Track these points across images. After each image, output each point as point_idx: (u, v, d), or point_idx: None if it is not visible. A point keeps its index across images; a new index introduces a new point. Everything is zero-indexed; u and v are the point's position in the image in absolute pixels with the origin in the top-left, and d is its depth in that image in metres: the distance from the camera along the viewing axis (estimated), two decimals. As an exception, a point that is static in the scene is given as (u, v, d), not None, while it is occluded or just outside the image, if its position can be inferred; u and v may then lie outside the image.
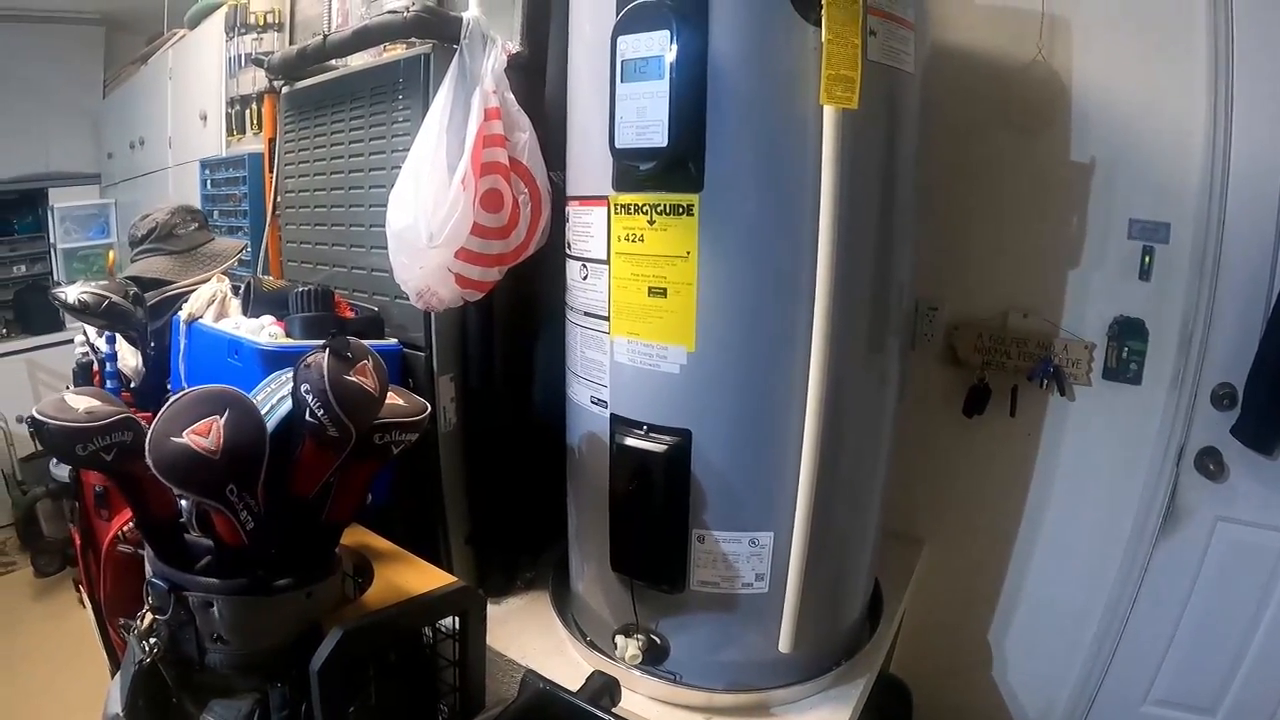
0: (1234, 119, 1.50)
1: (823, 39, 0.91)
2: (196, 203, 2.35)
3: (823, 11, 0.91)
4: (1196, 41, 1.50)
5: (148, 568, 0.83)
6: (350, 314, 1.35)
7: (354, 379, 0.81)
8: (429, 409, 0.92)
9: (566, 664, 1.26)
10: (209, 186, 2.37)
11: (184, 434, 0.71)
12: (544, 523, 1.44)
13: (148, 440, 0.72)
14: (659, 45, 0.94)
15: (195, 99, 2.74)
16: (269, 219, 1.84)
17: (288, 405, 0.85)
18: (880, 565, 1.40)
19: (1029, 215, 1.69)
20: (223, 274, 1.58)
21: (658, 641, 1.17)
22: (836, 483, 1.10)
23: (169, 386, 1.47)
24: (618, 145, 1.00)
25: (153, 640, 0.81)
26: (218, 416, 0.73)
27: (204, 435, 0.71)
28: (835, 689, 1.23)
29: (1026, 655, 1.88)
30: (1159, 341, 1.61)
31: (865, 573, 1.33)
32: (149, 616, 0.82)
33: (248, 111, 2.32)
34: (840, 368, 1.02)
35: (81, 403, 0.76)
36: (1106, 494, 1.71)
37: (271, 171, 1.85)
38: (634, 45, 0.96)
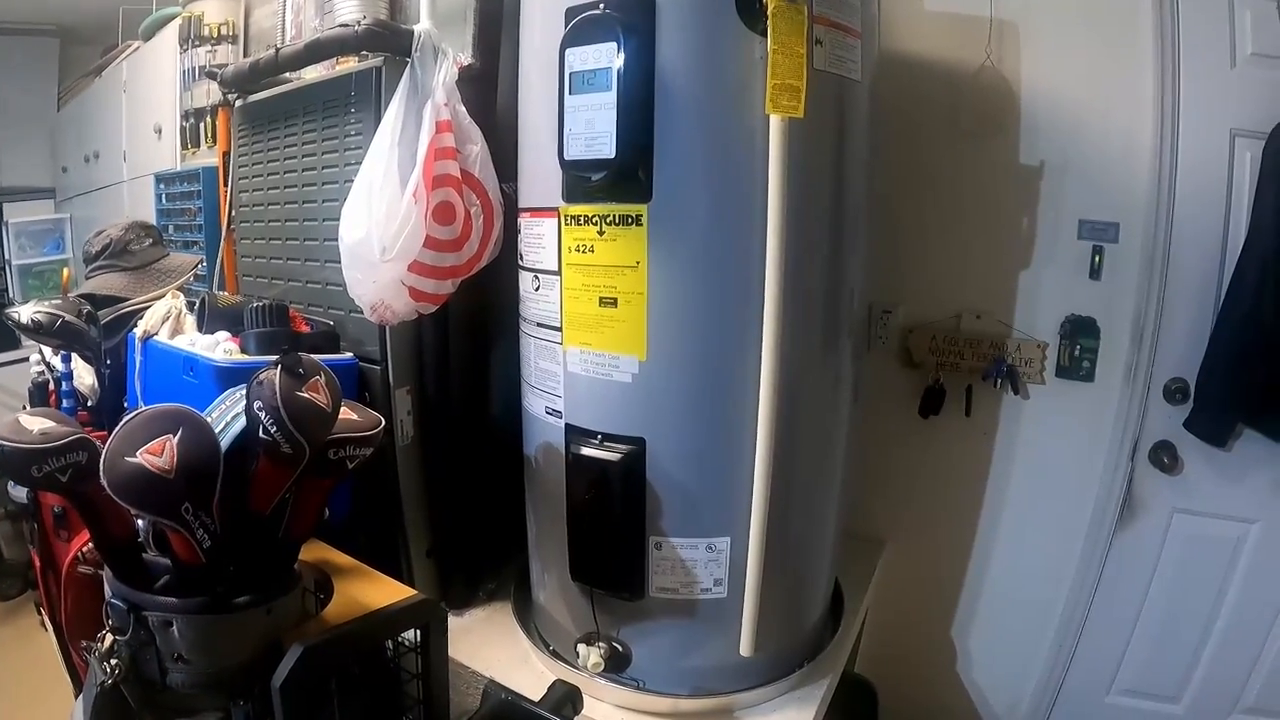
0: (1180, 119, 1.53)
1: (768, 48, 0.92)
2: (151, 217, 2.32)
3: (768, 22, 0.92)
4: (1143, 44, 1.53)
5: (107, 588, 0.83)
6: (306, 328, 1.35)
7: (306, 395, 0.81)
8: (383, 423, 0.92)
9: (530, 674, 1.26)
10: (164, 201, 2.33)
11: (138, 454, 0.71)
12: (505, 533, 1.44)
13: (102, 461, 0.71)
14: (606, 57, 0.95)
15: (149, 112, 2.70)
16: (224, 234, 1.82)
17: (242, 422, 0.85)
18: (841, 566, 1.42)
19: (981, 219, 1.72)
20: (178, 290, 1.56)
21: (620, 649, 1.17)
22: (792, 485, 1.11)
23: (126, 405, 1.45)
24: (566, 157, 1.00)
25: (114, 661, 0.80)
26: (171, 435, 0.73)
27: (157, 454, 0.71)
28: (799, 690, 1.24)
29: (990, 650, 1.90)
30: (1110, 339, 1.64)
31: (825, 574, 1.34)
32: (109, 637, 0.81)
33: (202, 125, 2.29)
34: (792, 372, 1.04)
35: (36, 424, 0.75)
36: (1064, 490, 1.74)
37: (226, 185, 1.83)
38: (581, 57, 0.96)
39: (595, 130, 0.96)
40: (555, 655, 1.28)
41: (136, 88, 2.90)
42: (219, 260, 1.88)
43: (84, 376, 1.58)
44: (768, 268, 0.98)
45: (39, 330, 1.29)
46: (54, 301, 1.32)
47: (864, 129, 1.15)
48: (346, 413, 0.91)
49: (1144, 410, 1.65)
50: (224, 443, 0.84)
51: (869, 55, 1.14)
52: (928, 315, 1.78)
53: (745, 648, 1.13)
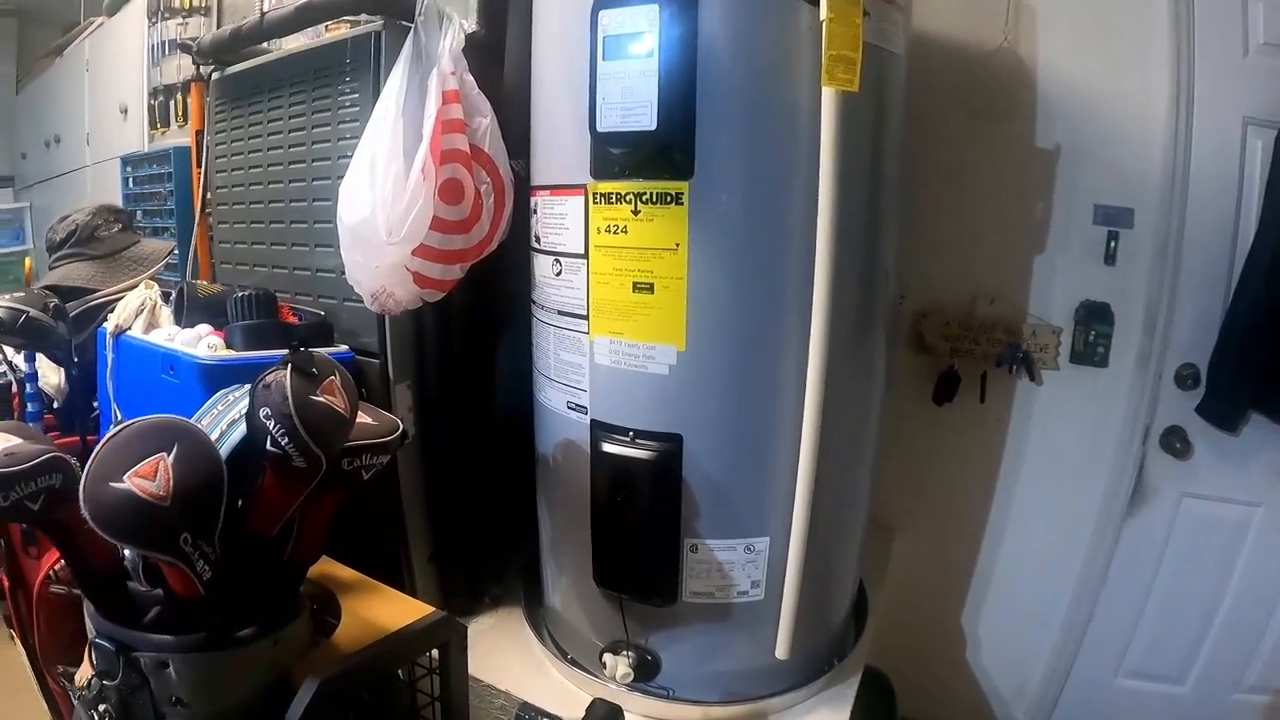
0: (1195, 104, 1.53)
1: (824, 17, 0.85)
2: (118, 203, 2.18)
3: (824, -11, 0.85)
4: (1158, 30, 1.53)
5: (90, 625, 0.73)
6: (294, 319, 1.25)
7: (321, 399, 0.71)
8: (400, 426, 0.84)
9: (549, 685, 1.19)
10: (131, 185, 2.18)
11: (126, 478, 0.60)
12: (510, 534, 1.37)
13: (82, 487, 0.60)
14: (646, 20, 0.86)
15: (115, 91, 2.56)
16: (198, 218, 1.71)
17: (241, 430, 0.75)
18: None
19: (995, 202, 1.70)
20: (151, 279, 1.45)
21: (649, 658, 1.10)
22: (831, 481, 1.04)
23: (95, 406, 1.34)
24: (600, 129, 0.92)
25: (102, 708, 0.70)
26: (165, 453, 0.62)
27: (149, 478, 0.60)
28: (829, 690, 1.19)
29: (1000, 636, 1.90)
30: (1124, 324, 1.64)
31: (854, 570, 1.29)
32: (95, 681, 0.71)
33: (172, 102, 2.16)
34: (836, 362, 0.97)
35: (-1, 441, 0.64)
36: (1075, 476, 1.74)
37: (200, 166, 1.71)
38: (618, 20, 0.88)
39: (634, 99, 0.87)
40: (573, 663, 1.21)
41: (100, 66, 2.76)
42: (192, 246, 1.77)
43: (49, 376, 1.47)
44: (818, 251, 0.91)
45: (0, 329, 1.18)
46: (16, 295, 1.21)
47: (901, 105, 1.09)
48: (360, 416, 0.82)
49: (1156, 396, 1.65)
50: (221, 455, 0.74)
51: (907, 28, 1.08)
52: (941, 300, 1.74)
53: (782, 650, 1.07)
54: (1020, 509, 1.80)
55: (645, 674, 1.10)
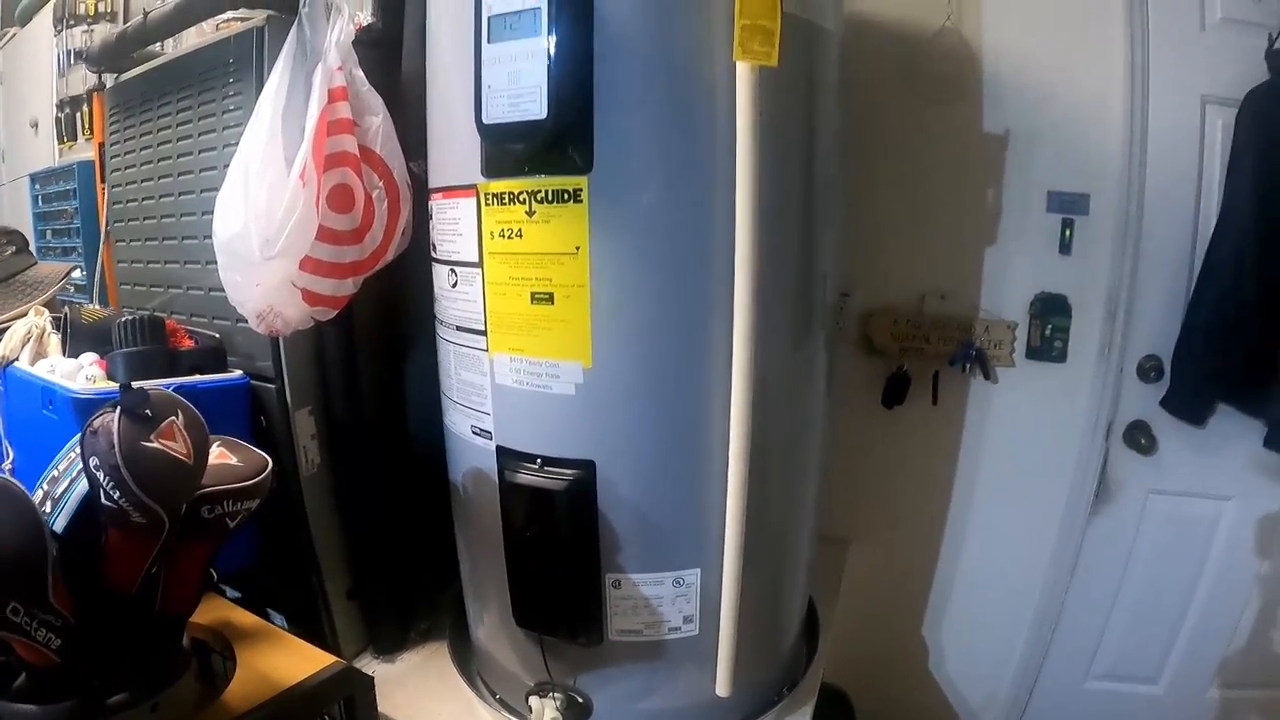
0: (1151, 82, 1.47)
1: (734, -18, 0.77)
2: (27, 223, 2.04)
3: (734, -52, 0.77)
4: (1112, 5, 1.46)
5: None
6: (190, 343, 1.15)
7: (156, 445, 0.63)
8: (270, 466, 0.75)
9: (477, 729, 1.10)
10: (40, 203, 2.05)
11: None
12: (436, 563, 1.27)
13: None
14: (533, -5, 0.77)
15: (28, 105, 2.41)
16: (103, 237, 1.59)
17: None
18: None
19: (942, 192, 1.62)
20: (42, 306, 1.33)
21: (579, 700, 1.01)
22: (768, 502, 0.96)
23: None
24: (486, 120, 0.82)
25: None
26: None
27: None
28: (782, 721, 1.11)
29: (965, 645, 1.84)
30: (1083, 316, 1.58)
31: (801, 591, 1.21)
32: None
33: (79, 114, 2.03)
34: (766, 372, 0.89)
35: None
36: (1036, 475, 1.68)
37: (104, 181, 1.59)
38: (503, -3, 0.78)
39: (521, 85, 0.78)
40: (503, 704, 1.12)
41: (14, 80, 2.61)
42: (98, 267, 1.65)
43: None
44: (738, 248, 0.82)
45: None
46: None
47: (834, 87, 1.00)
48: (223, 454, 0.74)
49: (1118, 390, 1.59)
50: (72, 505, 0.69)
51: (838, 1, 1.00)
52: (888, 298, 1.66)
53: (722, 687, 0.98)
54: (980, 512, 1.73)
55: (576, 716, 1.01)
